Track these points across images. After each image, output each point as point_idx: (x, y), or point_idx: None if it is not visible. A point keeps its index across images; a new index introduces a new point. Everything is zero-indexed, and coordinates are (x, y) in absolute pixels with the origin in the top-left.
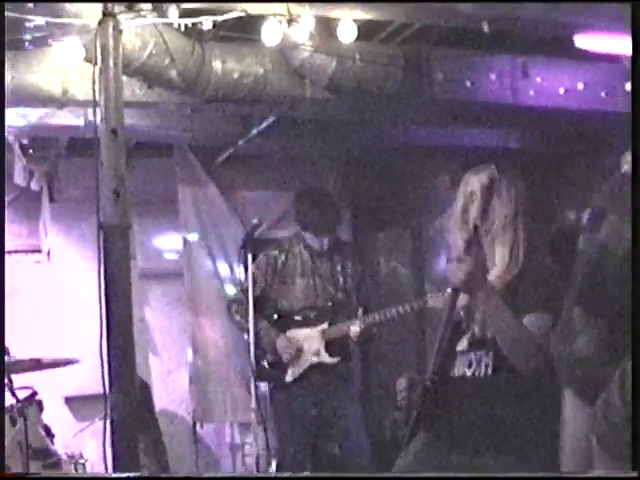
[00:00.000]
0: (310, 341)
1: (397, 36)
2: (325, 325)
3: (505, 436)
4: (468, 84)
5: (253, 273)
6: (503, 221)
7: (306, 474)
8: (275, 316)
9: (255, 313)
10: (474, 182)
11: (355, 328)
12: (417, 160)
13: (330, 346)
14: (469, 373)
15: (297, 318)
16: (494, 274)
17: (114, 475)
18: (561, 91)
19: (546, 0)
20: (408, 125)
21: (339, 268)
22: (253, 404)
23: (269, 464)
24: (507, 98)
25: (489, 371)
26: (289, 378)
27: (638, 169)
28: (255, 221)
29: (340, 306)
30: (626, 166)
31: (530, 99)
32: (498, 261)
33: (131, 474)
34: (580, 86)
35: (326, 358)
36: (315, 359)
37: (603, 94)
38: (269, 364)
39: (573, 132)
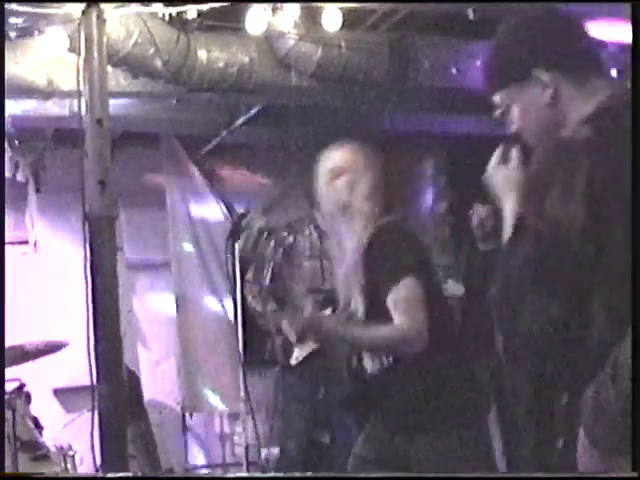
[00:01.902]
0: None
1: (382, 24)
2: (329, 310)
3: (430, 414)
4: (454, 71)
5: (263, 255)
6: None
7: (306, 474)
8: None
9: (265, 295)
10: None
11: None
12: (403, 147)
13: None
14: (378, 367)
15: (305, 300)
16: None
17: (114, 475)
18: None
19: (547, 0)
20: (394, 112)
21: None
22: (242, 394)
23: (259, 453)
24: None
25: (391, 360)
26: (293, 361)
27: (638, 169)
28: (242, 211)
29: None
30: (564, 132)
31: None
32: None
33: (129, 474)
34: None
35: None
36: (317, 345)
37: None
38: (280, 346)
39: None
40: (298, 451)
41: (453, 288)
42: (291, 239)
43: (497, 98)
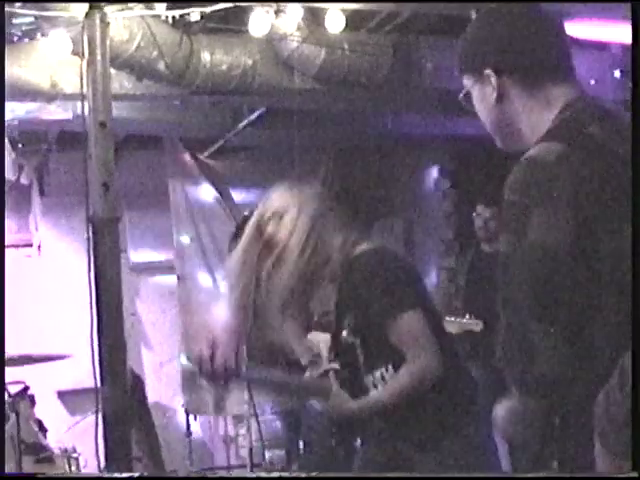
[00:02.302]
0: (329, 346)
1: (386, 25)
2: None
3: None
4: (457, 73)
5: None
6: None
7: (306, 474)
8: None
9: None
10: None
11: None
12: (407, 149)
13: None
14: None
15: (319, 321)
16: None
17: (115, 475)
18: None
19: (547, 0)
20: (397, 114)
21: None
22: (246, 396)
23: (263, 455)
24: None
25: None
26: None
27: (638, 168)
28: (246, 213)
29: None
30: (531, 152)
31: None
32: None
33: (132, 474)
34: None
35: (338, 366)
36: (330, 365)
37: (592, 82)
38: (287, 363)
39: None
40: (324, 452)
41: (472, 324)
42: None
43: (464, 81)
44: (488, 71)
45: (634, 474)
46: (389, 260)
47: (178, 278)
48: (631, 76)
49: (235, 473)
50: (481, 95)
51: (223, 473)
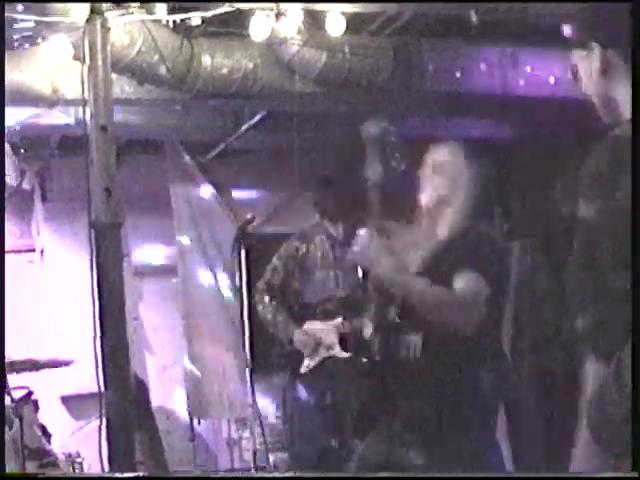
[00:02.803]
0: (326, 334)
1: (386, 28)
2: (340, 319)
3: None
4: (458, 75)
5: (276, 264)
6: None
7: (306, 474)
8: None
9: (276, 304)
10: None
11: (368, 329)
12: (409, 151)
13: (345, 340)
14: (402, 355)
15: (316, 310)
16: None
17: (115, 475)
18: (551, 80)
19: (547, 0)
20: (399, 117)
21: None
22: (249, 399)
23: (267, 458)
24: (497, 88)
25: (417, 353)
26: (303, 369)
27: (638, 167)
28: (248, 216)
29: (358, 299)
30: (618, 130)
31: (520, 89)
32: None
33: (131, 474)
34: (570, 75)
35: (338, 352)
36: (328, 353)
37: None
38: (286, 355)
39: (564, 121)
40: (312, 456)
41: None
42: (304, 248)
43: (573, 56)
44: (594, 44)
45: (634, 474)
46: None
47: (180, 281)
48: (631, 76)
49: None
50: (587, 67)
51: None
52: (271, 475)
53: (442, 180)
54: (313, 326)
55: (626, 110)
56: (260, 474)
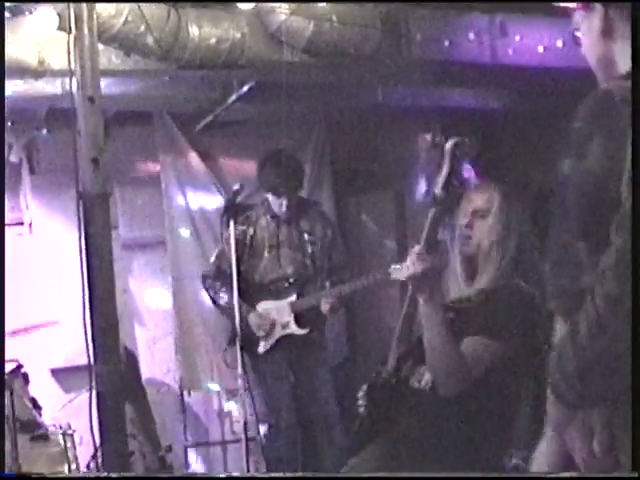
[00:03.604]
0: (280, 313)
1: None
2: (294, 297)
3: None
4: (447, 44)
5: (222, 249)
6: (494, 241)
7: (305, 474)
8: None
9: (227, 289)
10: (477, 200)
11: (325, 306)
12: (397, 121)
13: (300, 317)
14: (416, 384)
15: (268, 290)
16: (474, 287)
17: (115, 475)
18: (540, 49)
19: (546, 0)
20: (387, 86)
21: (306, 236)
22: (239, 370)
23: (257, 429)
24: (486, 57)
25: (427, 386)
26: (261, 349)
27: (638, 166)
28: (236, 187)
29: (309, 275)
30: (604, 85)
31: (509, 58)
32: (484, 275)
33: (129, 474)
34: (559, 43)
35: (295, 330)
36: (285, 331)
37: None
38: (242, 339)
39: (553, 90)
40: (288, 426)
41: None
42: (251, 231)
43: (575, 17)
44: (596, 4)
45: (634, 474)
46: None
47: (169, 253)
48: (631, 75)
49: (230, 449)
50: (588, 27)
51: (218, 448)
52: (271, 475)
53: (485, 228)
54: (266, 307)
55: (622, 68)
56: (260, 474)
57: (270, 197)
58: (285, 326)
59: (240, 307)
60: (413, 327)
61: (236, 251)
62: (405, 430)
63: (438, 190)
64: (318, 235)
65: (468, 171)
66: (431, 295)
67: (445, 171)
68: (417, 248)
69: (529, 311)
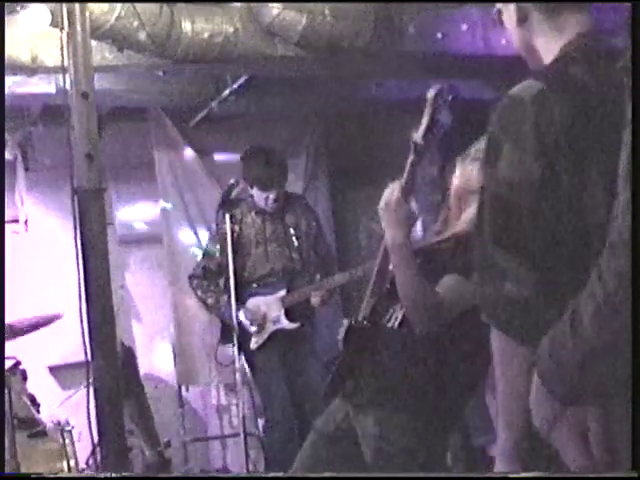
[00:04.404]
0: (270, 308)
1: None
2: (283, 292)
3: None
4: (439, 36)
5: (209, 249)
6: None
7: (305, 474)
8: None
9: (214, 287)
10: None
11: (315, 299)
12: (392, 114)
13: (290, 312)
14: (388, 324)
15: (257, 286)
16: (457, 227)
17: (114, 475)
18: None
19: (545, 0)
20: (381, 79)
21: (292, 230)
22: (237, 364)
23: (256, 424)
24: (479, 48)
25: (396, 324)
26: (253, 346)
27: (638, 165)
28: (232, 181)
29: (298, 269)
30: (515, 89)
31: (502, 49)
32: (466, 216)
33: (128, 474)
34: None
35: (286, 324)
36: (276, 326)
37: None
38: (239, 335)
39: None
40: (283, 421)
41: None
42: (237, 229)
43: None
44: None
45: (634, 474)
46: None
47: (165, 248)
48: (631, 75)
49: (229, 443)
50: (507, 16)
51: (216, 443)
52: (271, 475)
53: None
54: (256, 303)
55: (546, 57)
56: (260, 474)
57: (255, 192)
58: (276, 321)
59: (230, 305)
60: (386, 280)
61: (222, 250)
62: (375, 368)
63: (418, 138)
64: (303, 229)
65: (447, 117)
66: (396, 229)
67: (426, 119)
68: (394, 184)
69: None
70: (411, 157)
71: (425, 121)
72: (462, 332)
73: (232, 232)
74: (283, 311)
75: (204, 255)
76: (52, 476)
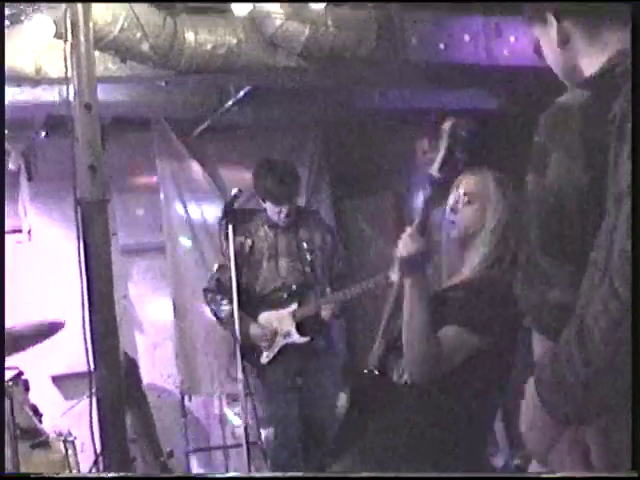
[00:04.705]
0: (282, 322)
1: (369, 1)
2: (295, 305)
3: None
4: (442, 46)
5: (223, 263)
6: (492, 226)
7: (306, 474)
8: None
9: (227, 302)
10: (469, 183)
11: (325, 312)
12: (394, 124)
13: (302, 325)
14: (395, 377)
15: (269, 300)
16: (460, 274)
17: (113, 475)
18: None
19: (546, 0)
20: (384, 89)
21: (305, 245)
22: (239, 375)
23: (258, 434)
24: (481, 59)
25: (404, 381)
26: (264, 360)
27: (638, 165)
28: (234, 192)
29: (310, 283)
30: (562, 97)
31: (505, 59)
32: (470, 263)
33: (128, 474)
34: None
35: (297, 338)
36: (286, 340)
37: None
38: (243, 351)
39: (548, 91)
40: (292, 437)
41: None
42: (249, 242)
43: (534, 32)
44: (549, 16)
45: (634, 474)
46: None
47: (168, 259)
48: (631, 75)
49: (231, 453)
50: (547, 40)
51: (219, 453)
52: (271, 475)
53: (472, 212)
54: (268, 317)
55: (587, 71)
56: (260, 474)
57: (268, 205)
58: (287, 335)
59: (241, 319)
60: (398, 322)
61: (236, 262)
62: (384, 425)
63: (434, 171)
64: (317, 243)
65: (465, 152)
66: (418, 279)
67: (442, 151)
68: (409, 230)
69: (511, 306)
70: (427, 190)
71: (442, 154)
72: (468, 376)
73: (243, 246)
74: (294, 325)
75: (218, 268)
76: (52, 476)
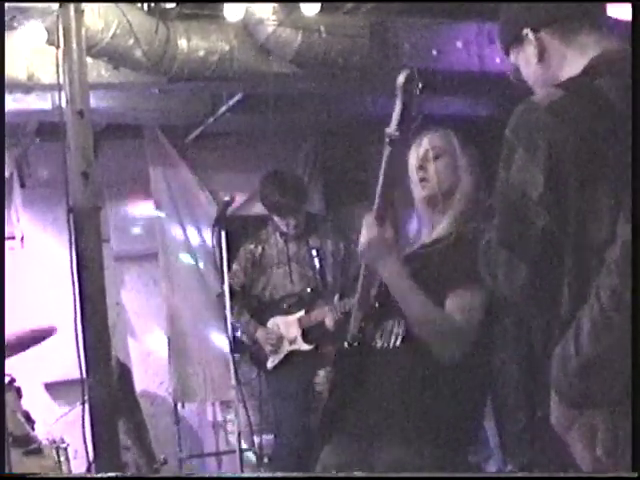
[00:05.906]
0: (288, 329)
1: (362, 7)
2: (302, 312)
3: (414, 423)
4: (434, 53)
5: (235, 270)
6: (454, 181)
7: (306, 474)
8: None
9: (238, 307)
10: (432, 139)
11: (329, 321)
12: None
13: (308, 333)
14: (379, 344)
15: (279, 307)
16: (431, 236)
17: (111, 475)
18: None
19: (547, 0)
20: (376, 96)
21: (315, 252)
22: (233, 381)
23: (252, 441)
24: (474, 65)
25: (398, 342)
26: (270, 365)
27: (638, 165)
28: (227, 198)
29: (319, 291)
30: (536, 95)
31: (497, 66)
32: (441, 228)
33: (125, 474)
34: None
35: (302, 346)
36: (292, 347)
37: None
38: (251, 356)
39: None
40: (293, 439)
41: None
42: (260, 249)
43: (510, 58)
44: (526, 30)
45: (634, 474)
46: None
47: (161, 265)
48: (631, 76)
49: (224, 460)
50: (525, 58)
51: (212, 459)
52: (271, 475)
53: (442, 167)
54: (275, 323)
55: (562, 77)
56: (258, 475)
57: (275, 218)
58: (292, 341)
59: (249, 324)
60: (371, 293)
61: (245, 270)
62: (373, 394)
63: (392, 129)
64: (329, 250)
65: (420, 105)
66: (384, 263)
67: (398, 107)
68: (368, 218)
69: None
70: (386, 151)
71: (397, 110)
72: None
73: (254, 253)
74: (300, 332)
75: (230, 277)
76: (51, 476)
